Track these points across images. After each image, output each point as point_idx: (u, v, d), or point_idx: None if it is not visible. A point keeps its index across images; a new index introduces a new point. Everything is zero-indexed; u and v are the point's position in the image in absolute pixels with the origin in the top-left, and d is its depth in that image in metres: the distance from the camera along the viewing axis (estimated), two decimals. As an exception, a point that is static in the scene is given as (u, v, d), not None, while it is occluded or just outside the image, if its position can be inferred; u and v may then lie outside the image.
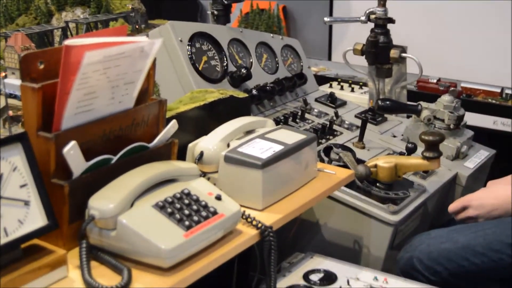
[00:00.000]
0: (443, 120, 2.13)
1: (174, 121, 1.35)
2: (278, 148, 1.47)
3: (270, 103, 2.19)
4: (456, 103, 2.14)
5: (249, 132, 1.53)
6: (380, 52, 2.22)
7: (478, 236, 1.69)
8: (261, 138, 1.49)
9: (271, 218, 1.38)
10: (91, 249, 1.17)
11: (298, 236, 1.84)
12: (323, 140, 2.04)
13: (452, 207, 1.79)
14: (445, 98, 2.14)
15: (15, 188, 1.09)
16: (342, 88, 2.69)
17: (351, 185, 1.80)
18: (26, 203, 1.11)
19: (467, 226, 1.75)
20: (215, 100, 1.71)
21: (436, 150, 1.78)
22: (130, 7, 3.42)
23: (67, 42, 1.14)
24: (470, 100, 2.94)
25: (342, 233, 1.81)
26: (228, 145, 1.46)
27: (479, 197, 1.75)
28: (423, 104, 2.16)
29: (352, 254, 1.65)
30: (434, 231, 1.77)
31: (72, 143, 1.16)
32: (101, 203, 1.16)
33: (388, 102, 2.14)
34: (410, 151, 1.93)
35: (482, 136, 2.40)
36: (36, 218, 1.11)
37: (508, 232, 1.67)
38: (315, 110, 2.24)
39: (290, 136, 1.53)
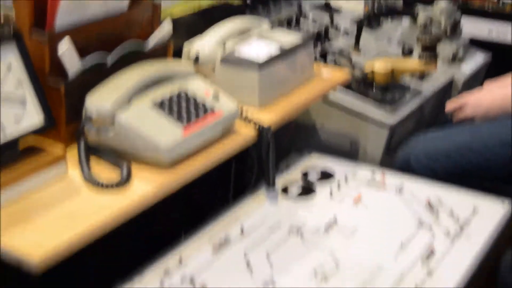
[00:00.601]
0: (439, 25, 2.11)
1: (168, 20, 1.34)
2: (274, 48, 1.46)
3: (265, 11, 2.16)
4: (453, 7, 2.11)
5: (245, 33, 1.52)
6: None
7: (475, 135, 1.70)
8: (257, 38, 1.48)
9: (268, 118, 1.38)
10: (89, 148, 1.17)
11: (294, 141, 1.85)
12: (319, 46, 2.02)
13: (450, 106, 1.79)
14: (442, 3, 2.12)
15: (11, 88, 1.09)
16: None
17: (347, 88, 1.80)
18: (23, 102, 1.10)
19: (464, 127, 1.76)
20: (209, 7, 1.69)
21: (432, 51, 1.77)
22: None
23: None
24: (467, 7, 2.90)
25: (339, 136, 1.82)
26: (224, 45, 1.45)
27: (476, 96, 1.75)
28: (420, 7, 2.13)
29: (349, 157, 1.65)
30: (431, 132, 1.78)
31: (66, 38, 1.15)
32: (98, 101, 1.16)
33: (383, 6, 2.11)
34: (406, 54, 1.92)
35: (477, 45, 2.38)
36: (33, 117, 1.11)
37: (504, 131, 1.68)
38: (310, 17, 2.22)
39: (287, 36, 1.52)
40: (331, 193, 1.43)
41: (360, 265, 1.21)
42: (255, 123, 1.33)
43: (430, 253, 1.25)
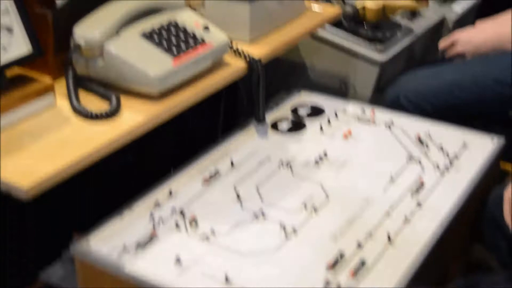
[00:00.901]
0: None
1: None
2: (264, -19, 1.44)
3: None
4: None
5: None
6: None
7: (465, 73, 1.69)
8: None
9: (259, 52, 1.36)
10: (78, 80, 1.16)
11: (284, 80, 1.84)
12: (310, -17, 2.00)
13: (442, 43, 1.78)
14: None
15: (-4, 16, 1.07)
16: None
17: (338, 26, 1.78)
18: (9, 30, 1.08)
19: (454, 65, 1.75)
20: None
21: (424, -12, 1.76)
22: None
23: None
24: None
25: (329, 73, 1.81)
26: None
27: (467, 33, 1.74)
28: None
29: (338, 95, 1.65)
30: (421, 70, 1.77)
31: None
32: (87, 30, 1.14)
33: None
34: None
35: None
36: (20, 46, 1.09)
37: (494, 69, 1.67)
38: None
39: (277, -30, 1.50)
40: (321, 128, 1.42)
41: (350, 197, 1.22)
42: (245, 56, 1.31)
43: (419, 186, 1.25)
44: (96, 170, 1.14)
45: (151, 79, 1.13)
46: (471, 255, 1.48)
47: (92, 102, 1.13)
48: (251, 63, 1.31)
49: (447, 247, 1.21)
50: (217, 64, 1.28)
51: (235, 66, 1.30)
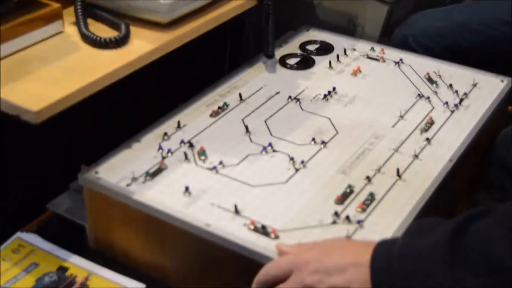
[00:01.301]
0: None
1: None
2: None
3: None
4: None
5: None
6: None
7: (474, 14, 1.67)
8: None
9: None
10: (87, 6, 1.14)
11: (291, 16, 1.82)
12: None
13: None
14: None
15: None
16: None
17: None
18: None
19: (465, 6, 1.73)
20: None
21: None
22: None
23: None
24: None
25: (337, 13, 1.79)
26: None
27: None
28: None
29: (346, 34, 1.62)
30: (430, 10, 1.75)
31: None
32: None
33: None
34: None
35: None
36: (28, -30, 1.07)
37: (503, 10, 1.65)
38: None
39: None
40: (330, 65, 1.41)
41: (359, 132, 1.21)
42: (255, -13, 1.29)
43: (429, 123, 1.24)
44: (103, 104, 1.13)
45: (162, 6, 1.11)
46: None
47: (101, 31, 1.11)
48: (261, -6, 1.29)
49: (455, 185, 1.20)
50: (226, -3, 1.26)
51: (245, -3, 1.28)
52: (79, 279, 1.05)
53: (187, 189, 1.04)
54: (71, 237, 1.12)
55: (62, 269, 1.06)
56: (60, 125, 1.05)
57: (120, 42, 1.07)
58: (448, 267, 0.79)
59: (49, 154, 1.20)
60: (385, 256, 0.85)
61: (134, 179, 1.06)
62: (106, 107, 1.28)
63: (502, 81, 1.39)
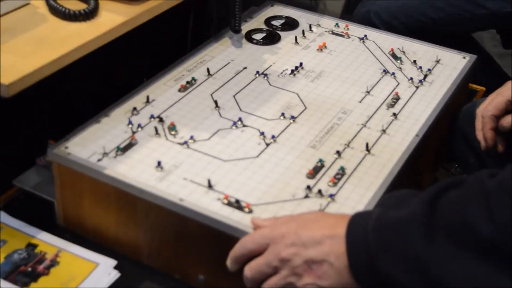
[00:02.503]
0: None
1: None
2: None
3: None
4: None
5: None
6: None
7: (436, -9, 1.69)
8: None
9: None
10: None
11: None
12: None
13: None
14: None
15: None
16: None
17: None
18: None
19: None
20: None
21: None
22: None
23: None
24: None
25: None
26: None
27: None
28: None
29: (309, 10, 1.62)
30: (392, -13, 1.76)
31: None
32: None
33: None
34: None
35: None
36: None
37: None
38: None
39: None
40: (296, 40, 1.41)
41: (327, 107, 1.22)
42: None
43: (394, 98, 1.26)
44: (68, 78, 1.11)
45: (131, -21, 1.09)
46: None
47: (69, 3, 1.09)
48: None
49: (421, 159, 1.22)
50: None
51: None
52: (49, 256, 1.04)
53: (159, 163, 1.04)
54: (39, 213, 1.10)
55: (31, 246, 1.05)
56: (24, 99, 1.02)
57: (89, 14, 1.05)
58: (425, 237, 0.81)
59: (14, 129, 1.17)
60: (360, 228, 0.86)
61: (105, 154, 1.05)
62: (71, 80, 1.26)
63: (464, 57, 1.42)
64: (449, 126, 1.38)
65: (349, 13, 1.77)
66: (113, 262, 1.04)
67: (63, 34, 1.02)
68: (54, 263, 1.03)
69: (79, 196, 1.06)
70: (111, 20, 1.06)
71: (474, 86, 1.54)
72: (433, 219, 0.81)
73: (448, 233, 0.80)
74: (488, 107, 1.24)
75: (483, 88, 1.57)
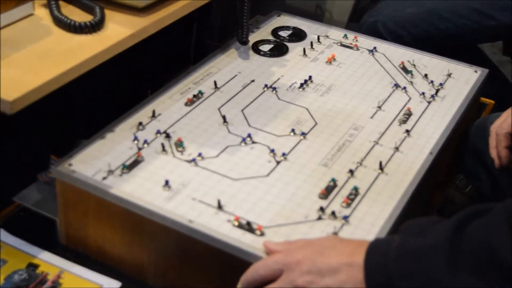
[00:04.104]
0: None
1: None
2: None
3: None
4: None
5: None
6: None
7: (444, 1, 1.66)
8: None
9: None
10: (56, -12, 1.07)
11: (259, 1, 1.77)
12: None
13: None
14: None
15: None
16: None
17: None
18: None
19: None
20: None
21: None
22: None
23: None
24: None
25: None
26: None
27: None
28: None
29: (314, 19, 1.59)
30: (398, -3, 1.73)
31: None
32: None
33: None
34: None
35: None
36: None
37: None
38: None
39: None
40: (304, 52, 1.37)
41: (338, 123, 1.18)
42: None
43: (407, 114, 1.22)
44: (71, 91, 1.07)
45: (138, -10, 1.06)
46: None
47: (74, 15, 1.05)
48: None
49: (434, 176, 1.19)
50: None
51: (220, -19, 1.24)
52: (50, 277, 1.00)
53: (166, 182, 1.00)
54: (40, 231, 1.06)
55: (32, 266, 1.01)
56: (26, 112, 0.98)
57: (95, 26, 1.01)
58: (449, 267, 0.78)
59: (14, 143, 1.13)
60: (380, 256, 0.83)
61: (110, 172, 1.01)
62: (73, 93, 1.22)
63: (476, 71, 1.38)
64: (460, 141, 1.34)
65: (355, 21, 1.73)
66: (117, 284, 1.00)
67: (68, 47, 0.98)
68: (56, 284, 0.99)
69: (83, 215, 1.02)
70: (118, 32, 1.02)
71: (483, 99, 1.51)
72: (458, 249, 0.78)
73: (474, 264, 0.77)
74: (503, 124, 1.21)
75: (492, 102, 1.54)
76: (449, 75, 1.35)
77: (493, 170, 1.27)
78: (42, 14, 1.04)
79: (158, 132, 1.10)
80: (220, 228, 0.94)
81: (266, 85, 1.25)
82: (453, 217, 0.82)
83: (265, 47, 1.37)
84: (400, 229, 0.89)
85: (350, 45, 1.42)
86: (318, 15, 1.74)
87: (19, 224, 1.07)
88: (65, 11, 1.05)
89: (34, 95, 0.88)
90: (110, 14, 1.06)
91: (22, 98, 0.86)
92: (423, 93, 1.28)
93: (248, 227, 0.95)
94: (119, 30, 1.03)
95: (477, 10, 1.61)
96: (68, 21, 1.01)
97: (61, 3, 1.07)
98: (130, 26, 1.04)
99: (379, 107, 1.23)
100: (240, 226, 0.95)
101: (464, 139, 1.34)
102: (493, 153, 1.23)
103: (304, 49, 1.38)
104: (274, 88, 1.25)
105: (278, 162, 1.07)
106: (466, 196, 1.45)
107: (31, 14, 1.04)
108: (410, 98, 1.27)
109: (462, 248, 0.78)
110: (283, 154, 1.09)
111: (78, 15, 1.05)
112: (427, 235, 0.82)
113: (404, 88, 1.29)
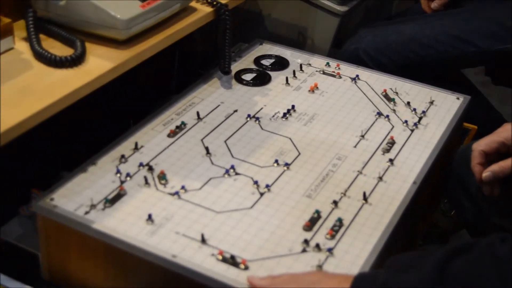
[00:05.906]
0: None
1: None
2: None
3: None
4: None
5: None
6: None
7: (425, 28, 1.66)
8: None
9: (224, -1, 1.29)
10: (38, 21, 1.07)
11: (240, 28, 1.77)
12: None
13: None
14: None
15: None
16: None
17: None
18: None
19: (414, 20, 1.72)
20: None
21: None
22: None
23: None
24: None
25: (287, 24, 1.75)
26: None
27: None
28: None
29: (295, 47, 1.59)
30: (380, 23, 1.74)
31: None
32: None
33: None
34: None
35: None
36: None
37: (454, 24, 1.65)
38: None
39: None
40: (287, 81, 1.37)
41: (322, 153, 1.18)
42: (212, 1, 1.24)
43: (390, 143, 1.22)
44: (51, 124, 1.06)
45: (119, 22, 1.05)
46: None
47: (54, 48, 1.05)
48: (218, 8, 1.25)
49: (419, 206, 1.19)
50: (183, 10, 1.20)
51: (202, 11, 1.24)
52: (32, 314, 0.98)
53: (149, 216, 0.99)
54: (22, 266, 1.05)
55: (14, 303, 0.99)
56: (7, 145, 0.97)
57: (76, 60, 1.01)
58: None
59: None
60: None
61: (93, 206, 1.00)
62: (53, 126, 1.21)
63: (458, 98, 1.39)
64: (443, 168, 1.34)
65: (337, 47, 1.74)
66: (100, 320, 0.98)
67: (49, 82, 0.97)
68: (38, 321, 0.97)
69: (66, 250, 1.01)
70: (99, 66, 1.02)
71: (466, 124, 1.51)
72: (443, 286, 0.77)
73: None
74: (480, 142, 1.21)
75: (475, 127, 1.55)
76: (431, 102, 1.36)
77: (477, 198, 1.27)
78: (22, 48, 1.04)
79: (141, 164, 1.09)
80: (204, 262, 0.94)
81: (249, 115, 1.25)
82: (438, 253, 0.82)
83: (248, 76, 1.37)
84: (385, 265, 0.89)
85: (333, 73, 1.42)
86: (300, 42, 1.74)
87: (1, 259, 1.06)
88: (46, 45, 1.04)
89: (13, 132, 0.87)
90: (91, 47, 1.06)
91: (3, 135, 0.85)
92: (406, 121, 1.28)
93: (232, 261, 0.94)
94: (100, 63, 1.02)
95: (458, 37, 1.61)
96: (49, 55, 1.00)
97: (41, 36, 1.06)
98: (112, 59, 1.04)
99: (362, 136, 1.23)
100: (224, 260, 0.94)
101: (447, 166, 1.34)
102: (476, 170, 1.22)
103: (287, 78, 1.38)
104: (257, 118, 1.25)
105: (261, 194, 1.07)
106: (450, 220, 1.45)
107: (11, 48, 1.03)
108: (393, 127, 1.27)
109: (447, 286, 0.78)
110: (267, 186, 1.08)
111: (59, 49, 1.05)
112: (413, 272, 0.81)
113: (387, 116, 1.29)
